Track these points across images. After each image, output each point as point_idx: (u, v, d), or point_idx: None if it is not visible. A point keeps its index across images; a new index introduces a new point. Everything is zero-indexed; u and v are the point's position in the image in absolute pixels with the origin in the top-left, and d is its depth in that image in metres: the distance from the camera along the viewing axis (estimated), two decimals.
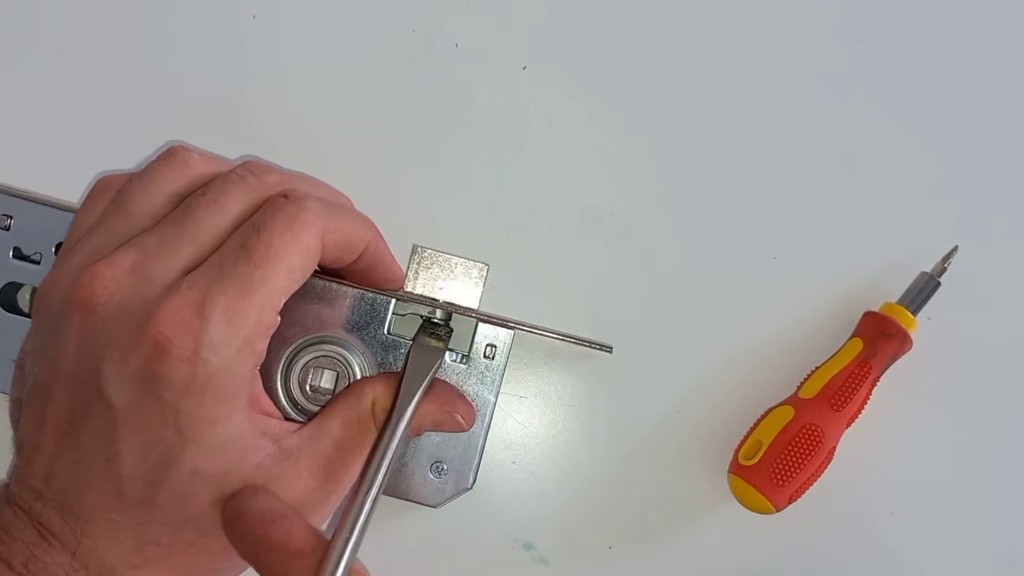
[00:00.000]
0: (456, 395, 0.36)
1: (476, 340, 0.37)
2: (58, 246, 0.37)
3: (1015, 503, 0.41)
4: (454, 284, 0.37)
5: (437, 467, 0.36)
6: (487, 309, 0.38)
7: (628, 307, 0.41)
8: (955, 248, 0.40)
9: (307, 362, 0.35)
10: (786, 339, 0.41)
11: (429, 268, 0.37)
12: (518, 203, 0.42)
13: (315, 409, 0.35)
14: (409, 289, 0.37)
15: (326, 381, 0.35)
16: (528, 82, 0.42)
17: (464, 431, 0.36)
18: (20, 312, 0.38)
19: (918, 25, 0.43)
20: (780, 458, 0.38)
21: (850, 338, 0.40)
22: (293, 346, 0.35)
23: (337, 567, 0.26)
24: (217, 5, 0.42)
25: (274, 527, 0.28)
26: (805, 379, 0.40)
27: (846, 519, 0.41)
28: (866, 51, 0.43)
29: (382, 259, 0.35)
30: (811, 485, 0.38)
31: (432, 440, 0.36)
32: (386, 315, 0.36)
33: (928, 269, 0.40)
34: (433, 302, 0.36)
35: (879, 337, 0.39)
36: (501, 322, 0.37)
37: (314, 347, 0.35)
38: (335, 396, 0.34)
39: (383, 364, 0.36)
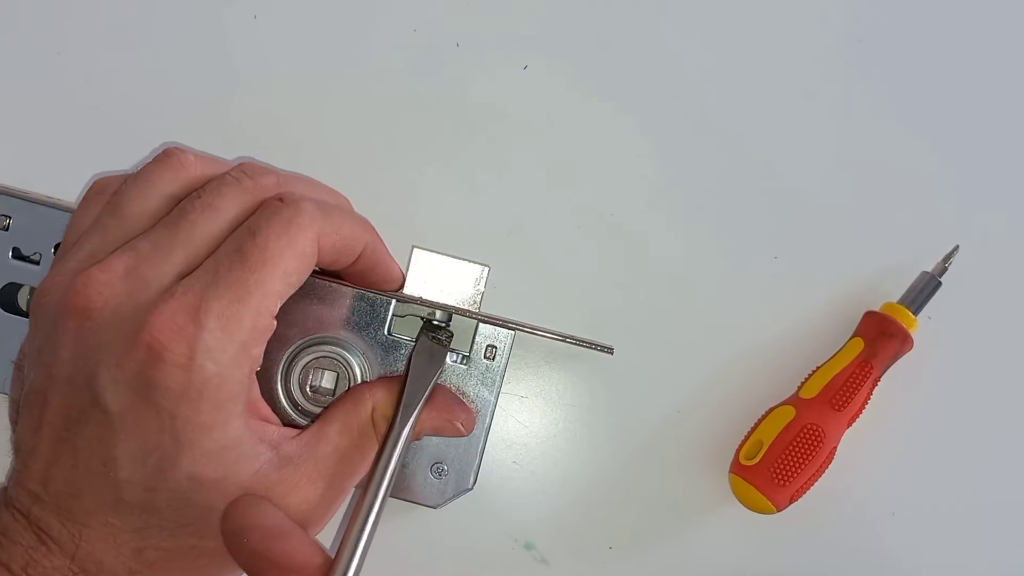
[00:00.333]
0: (455, 401, 0.36)
1: (476, 341, 0.36)
2: (57, 246, 0.37)
3: (1015, 503, 0.41)
4: (454, 286, 0.37)
5: (437, 468, 0.36)
6: (487, 310, 0.38)
7: (628, 307, 0.41)
8: (956, 248, 0.40)
9: (307, 363, 0.35)
10: (787, 339, 0.41)
11: (429, 270, 0.37)
12: (518, 203, 0.42)
13: (315, 410, 0.35)
14: (409, 290, 0.37)
15: (326, 382, 0.35)
16: (528, 82, 0.42)
17: (463, 436, 0.35)
18: (20, 312, 0.38)
19: (918, 25, 0.43)
20: (781, 458, 0.38)
21: (851, 338, 0.40)
22: (293, 347, 0.35)
23: None
24: (217, 5, 0.42)
25: (276, 543, 0.28)
26: (806, 379, 0.40)
27: (847, 519, 0.41)
28: (866, 51, 0.43)
29: (381, 261, 0.35)
30: (812, 485, 0.38)
31: (432, 441, 0.36)
32: (386, 316, 0.36)
33: (929, 269, 0.40)
34: (433, 303, 0.36)
35: (880, 337, 0.39)
36: (502, 323, 0.36)
37: (314, 348, 0.35)
38: (334, 402, 0.34)
39: (383, 364, 0.36)
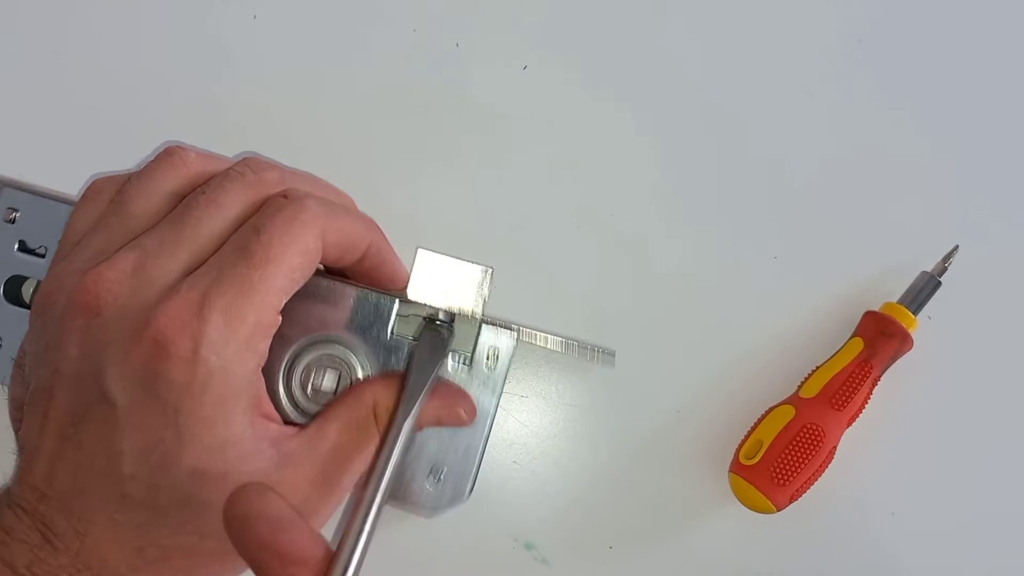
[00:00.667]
0: (456, 389, 0.36)
1: (479, 345, 0.36)
2: None
3: (1015, 503, 0.41)
4: (458, 287, 0.37)
5: (435, 474, 0.36)
6: (488, 310, 0.38)
7: (628, 306, 0.41)
8: (955, 248, 0.41)
9: (309, 362, 0.35)
10: (787, 338, 0.41)
11: (433, 270, 0.37)
12: (518, 203, 0.42)
13: (316, 409, 0.35)
14: (412, 291, 0.37)
15: (328, 382, 0.35)
16: (528, 82, 0.42)
17: (465, 425, 0.35)
18: (24, 305, 0.38)
19: (918, 25, 0.43)
20: (781, 457, 0.38)
21: (851, 338, 0.40)
22: (295, 346, 0.35)
23: None
24: (217, 5, 0.42)
25: (281, 534, 0.28)
26: (806, 379, 0.40)
27: (846, 519, 0.41)
28: (866, 51, 0.43)
29: (385, 260, 0.35)
30: (812, 484, 0.38)
31: (430, 447, 0.36)
32: (389, 317, 0.36)
33: (929, 269, 0.40)
34: (436, 305, 0.36)
35: (880, 337, 0.39)
36: (504, 324, 0.36)
37: (316, 347, 0.35)
38: (335, 399, 0.34)
39: (385, 366, 0.36)
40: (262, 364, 0.30)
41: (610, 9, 0.43)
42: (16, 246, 0.37)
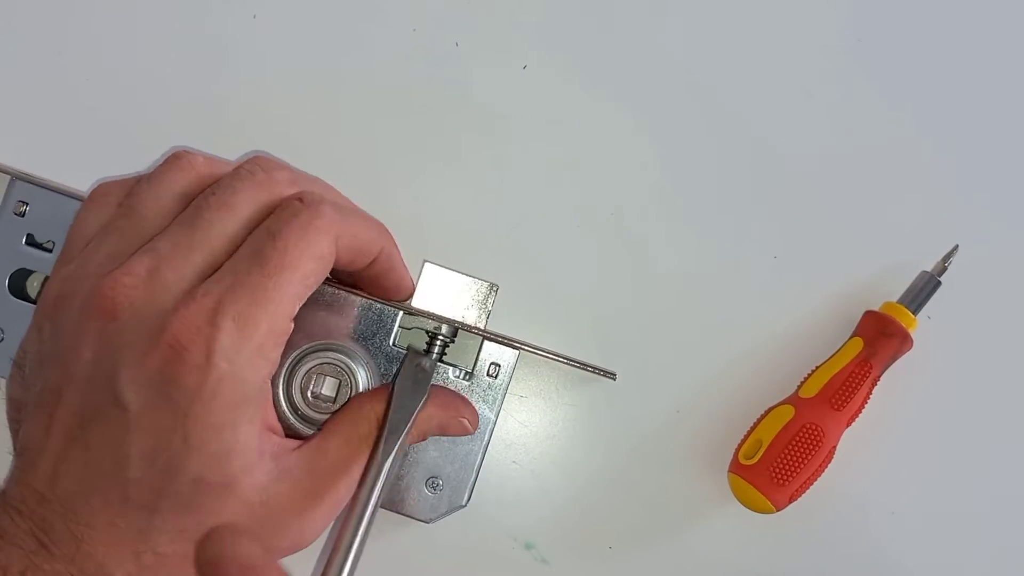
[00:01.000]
0: (459, 398, 0.36)
1: (481, 358, 0.37)
2: None
3: (1015, 503, 0.41)
4: (462, 301, 0.37)
5: (433, 482, 0.36)
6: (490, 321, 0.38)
7: (628, 306, 0.41)
8: (955, 248, 0.41)
9: (310, 368, 0.35)
10: (786, 338, 0.41)
11: (438, 284, 0.37)
12: (517, 203, 0.42)
13: (315, 415, 0.35)
14: (417, 303, 0.37)
15: (327, 389, 0.35)
16: (528, 82, 0.42)
17: (469, 434, 0.36)
18: (28, 299, 0.38)
19: (918, 25, 0.43)
20: (780, 457, 0.38)
21: (850, 337, 0.40)
22: (298, 352, 0.35)
23: None
24: (217, 4, 0.42)
25: None
26: (805, 378, 0.40)
27: (846, 519, 0.41)
28: (866, 51, 0.43)
29: (394, 267, 0.35)
30: (811, 484, 0.38)
31: (429, 455, 0.36)
32: (392, 327, 0.36)
33: (928, 268, 0.40)
34: (440, 317, 0.36)
35: (880, 336, 0.39)
36: (507, 341, 0.36)
37: (318, 354, 0.35)
38: (335, 415, 0.34)
39: (386, 375, 0.36)
40: (273, 372, 0.30)
41: (610, 9, 0.43)
42: (24, 239, 0.37)
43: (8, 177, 0.38)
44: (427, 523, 0.36)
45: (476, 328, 0.37)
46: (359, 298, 0.36)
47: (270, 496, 0.30)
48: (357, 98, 0.42)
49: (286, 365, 0.35)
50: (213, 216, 0.30)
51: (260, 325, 0.28)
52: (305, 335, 0.35)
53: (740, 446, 0.39)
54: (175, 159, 0.32)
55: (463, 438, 0.36)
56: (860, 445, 0.40)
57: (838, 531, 0.41)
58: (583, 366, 0.38)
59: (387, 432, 0.32)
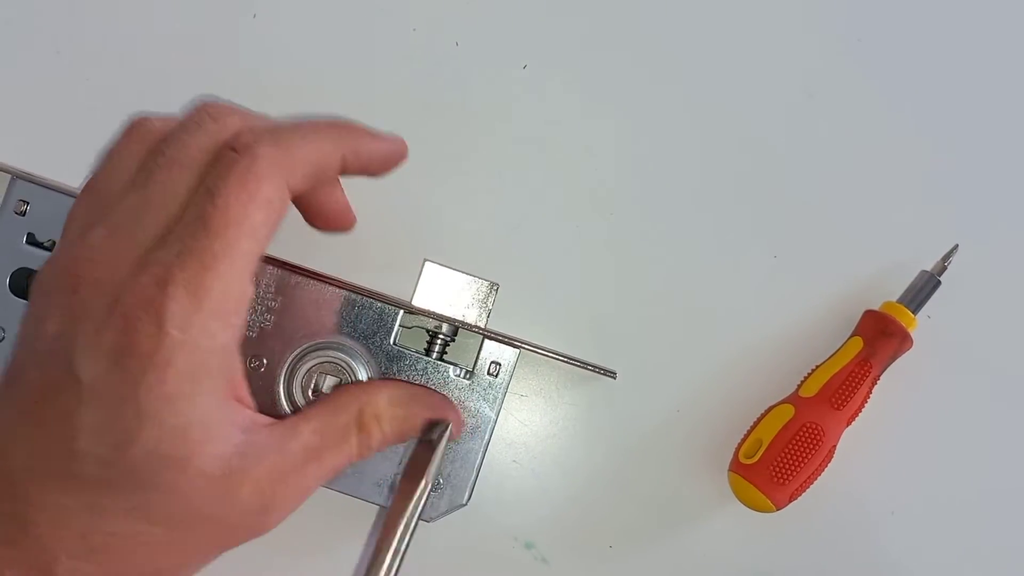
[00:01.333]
0: (446, 402, 0.35)
1: (481, 357, 0.37)
2: None
3: (1015, 503, 0.41)
4: (463, 300, 0.37)
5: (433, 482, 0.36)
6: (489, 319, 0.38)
7: (628, 306, 0.41)
8: (955, 247, 0.41)
9: (311, 367, 0.35)
10: (786, 338, 0.41)
11: (439, 283, 0.37)
12: (517, 203, 0.42)
13: None
14: (418, 303, 0.37)
15: (328, 387, 0.35)
16: (528, 82, 0.43)
17: (454, 440, 0.35)
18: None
19: (918, 25, 0.43)
20: (780, 456, 0.38)
21: (850, 337, 0.40)
22: (299, 350, 0.35)
23: None
24: (217, 4, 0.43)
25: None
26: (805, 378, 0.40)
27: (846, 518, 0.41)
28: (866, 51, 0.43)
29: (371, 159, 0.33)
30: (811, 484, 0.38)
31: None
32: (393, 325, 0.36)
33: (928, 268, 0.40)
34: (441, 316, 0.37)
35: (879, 336, 0.39)
36: (507, 340, 0.37)
37: (319, 353, 0.35)
38: (317, 400, 0.33)
39: (387, 374, 0.36)
40: (236, 340, 0.29)
41: (610, 9, 0.43)
42: (25, 238, 0.37)
43: (9, 176, 0.38)
44: (427, 522, 0.36)
45: (477, 327, 0.37)
46: (360, 297, 0.36)
47: (233, 469, 0.28)
48: (356, 97, 0.42)
49: (287, 363, 0.35)
50: (163, 176, 0.29)
51: (212, 289, 0.27)
52: (307, 334, 0.35)
53: (740, 445, 0.39)
54: (130, 128, 0.31)
55: (463, 437, 0.36)
56: (860, 445, 0.40)
57: (838, 530, 0.41)
58: (583, 365, 0.38)
59: (388, 520, 0.32)
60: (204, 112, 0.30)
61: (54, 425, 0.27)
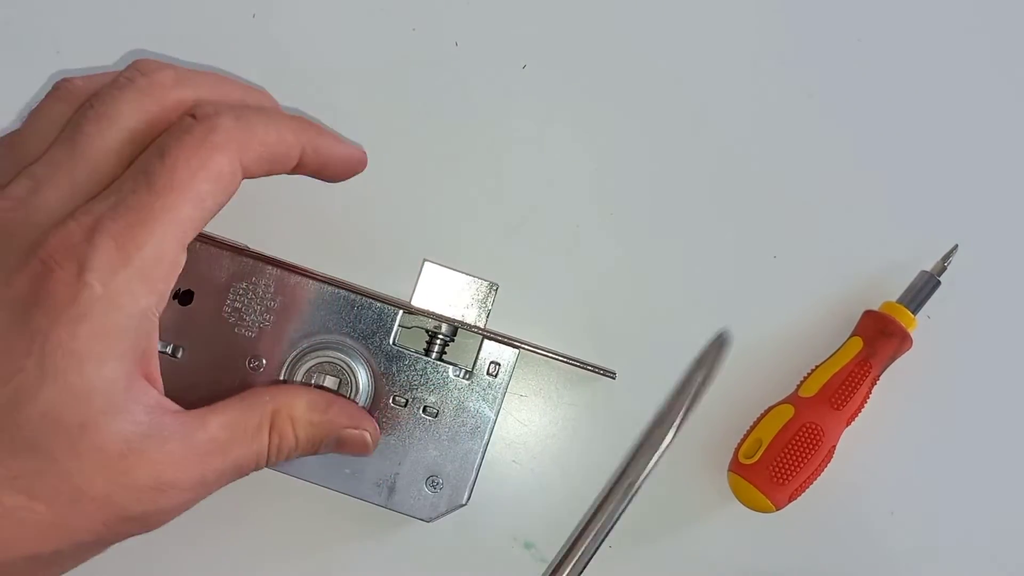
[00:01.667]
0: (364, 412, 0.34)
1: (481, 357, 0.37)
2: None
3: (1015, 503, 0.41)
4: (462, 300, 0.37)
5: (432, 481, 0.36)
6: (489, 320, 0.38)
7: (627, 306, 0.41)
8: (955, 247, 0.41)
9: (310, 367, 0.35)
10: (786, 338, 0.41)
11: (438, 283, 0.37)
12: (517, 203, 0.42)
13: None
14: (417, 303, 0.37)
15: (328, 387, 0.35)
16: (528, 82, 0.43)
17: (367, 454, 0.34)
18: None
19: (918, 25, 0.43)
20: (780, 457, 0.38)
21: (850, 337, 0.40)
22: (298, 350, 0.35)
23: None
24: (216, 4, 0.43)
25: None
26: (805, 378, 0.40)
27: (846, 518, 0.41)
28: (866, 51, 0.43)
29: (329, 159, 0.32)
30: (811, 484, 0.38)
31: (429, 454, 0.36)
32: (392, 325, 0.36)
33: (928, 268, 0.40)
34: (440, 316, 0.37)
35: (879, 336, 0.39)
36: (507, 340, 0.37)
37: (318, 352, 0.35)
38: (231, 397, 0.31)
39: (386, 374, 0.36)
40: (159, 309, 0.27)
41: (609, 9, 0.43)
42: None
43: None
44: (427, 522, 0.36)
45: (476, 327, 0.37)
46: (360, 297, 0.36)
47: (132, 451, 0.26)
48: (356, 97, 0.42)
49: (286, 363, 0.35)
50: (92, 129, 0.28)
51: (144, 247, 0.26)
52: (306, 334, 0.36)
53: (740, 445, 0.39)
54: (55, 88, 0.30)
55: (463, 437, 0.36)
56: (860, 444, 0.40)
57: (837, 530, 0.41)
58: (583, 365, 0.38)
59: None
60: (135, 68, 0.29)
61: None
